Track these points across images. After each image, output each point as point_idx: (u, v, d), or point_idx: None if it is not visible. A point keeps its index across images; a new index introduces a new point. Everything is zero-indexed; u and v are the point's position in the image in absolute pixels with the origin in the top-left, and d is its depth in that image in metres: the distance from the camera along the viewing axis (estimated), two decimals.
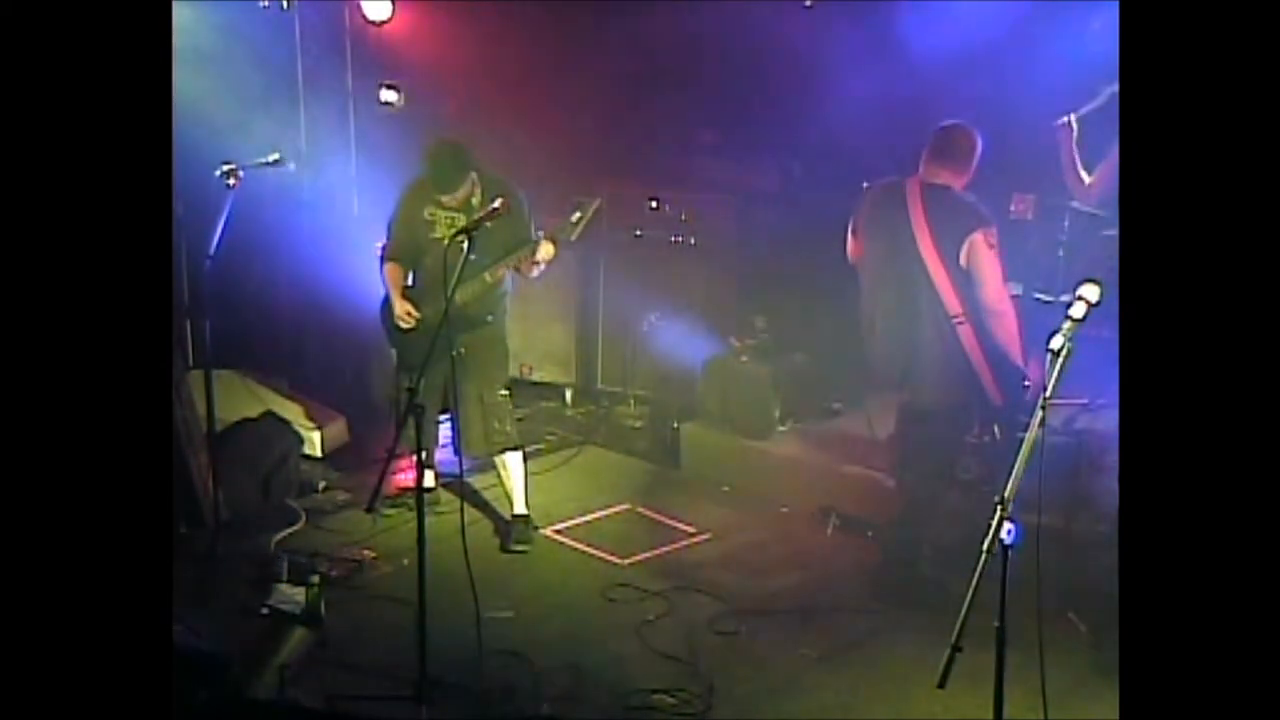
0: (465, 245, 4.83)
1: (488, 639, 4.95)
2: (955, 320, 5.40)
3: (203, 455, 6.11)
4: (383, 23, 7.84)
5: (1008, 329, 5.42)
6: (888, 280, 5.60)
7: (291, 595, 5.39)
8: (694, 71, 7.90)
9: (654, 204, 7.91)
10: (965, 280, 5.39)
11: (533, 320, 7.83)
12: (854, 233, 5.78)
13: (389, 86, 8.00)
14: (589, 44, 8.16)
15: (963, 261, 5.37)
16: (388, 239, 6.25)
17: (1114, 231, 6.17)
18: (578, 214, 5.97)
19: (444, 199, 5.97)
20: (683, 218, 7.90)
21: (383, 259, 6.24)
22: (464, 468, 6.00)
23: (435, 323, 5.71)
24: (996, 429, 6.02)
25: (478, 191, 5.99)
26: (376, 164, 7.62)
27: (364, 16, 7.87)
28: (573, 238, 6.02)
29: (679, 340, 7.64)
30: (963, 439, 5.90)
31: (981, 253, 5.37)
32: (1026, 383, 5.39)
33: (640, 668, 5.23)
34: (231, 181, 5.84)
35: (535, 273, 6.01)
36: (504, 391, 6.22)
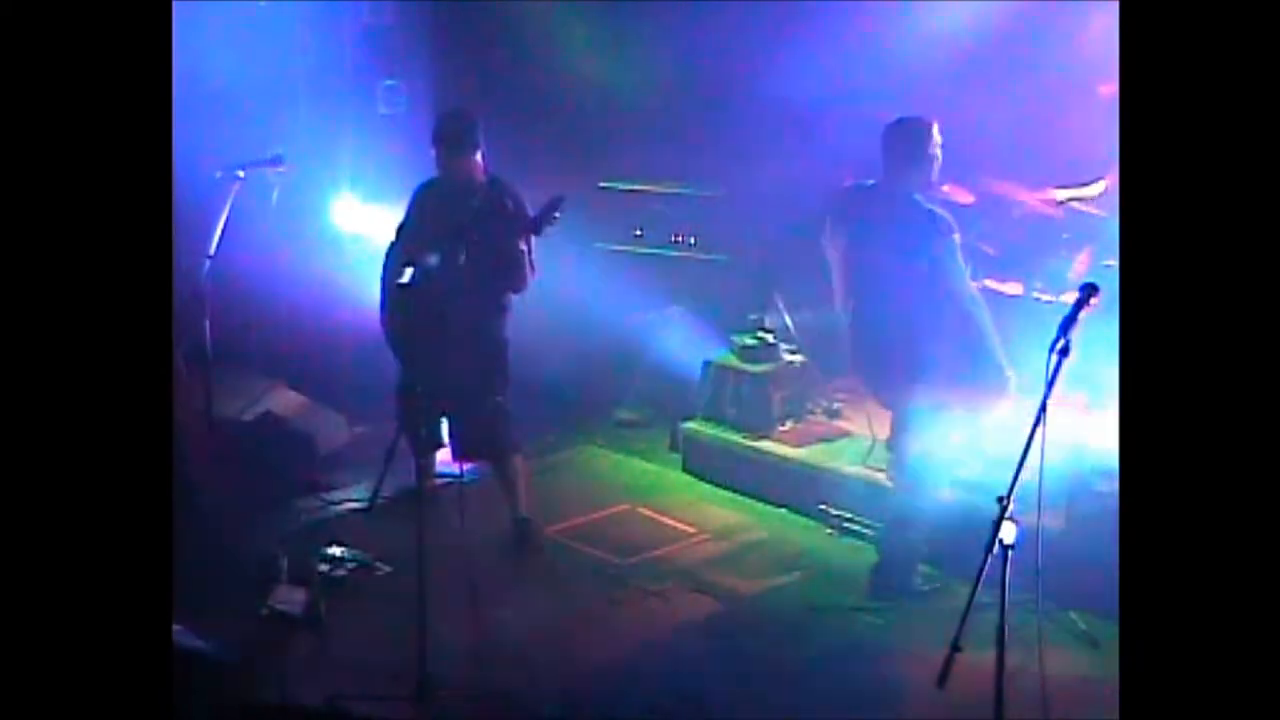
0: (464, 246, 4.83)
1: (488, 639, 4.95)
2: (926, 322, 5.41)
3: (203, 455, 6.11)
4: None
5: (979, 329, 5.43)
6: (857, 284, 5.62)
7: (291, 595, 5.39)
8: (696, 71, 7.90)
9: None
10: (930, 284, 5.39)
11: (533, 319, 7.81)
12: (828, 235, 5.82)
13: (390, 86, 8.01)
14: (591, 45, 8.16)
15: (925, 267, 5.37)
16: (396, 240, 6.21)
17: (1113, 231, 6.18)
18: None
19: (451, 192, 5.93)
20: (683, 217, 7.94)
21: (388, 260, 6.20)
22: (464, 468, 6.00)
23: (434, 324, 5.71)
24: (982, 423, 6.04)
25: (479, 184, 5.98)
26: (376, 163, 7.62)
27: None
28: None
29: (679, 340, 7.64)
30: (959, 438, 5.89)
31: (942, 258, 5.38)
32: (1008, 375, 5.42)
33: (640, 668, 5.23)
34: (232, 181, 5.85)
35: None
36: (499, 397, 6.21)
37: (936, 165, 5.54)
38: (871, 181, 5.63)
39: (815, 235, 5.91)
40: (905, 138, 5.51)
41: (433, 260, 6.01)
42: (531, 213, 5.88)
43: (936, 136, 5.53)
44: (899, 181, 5.51)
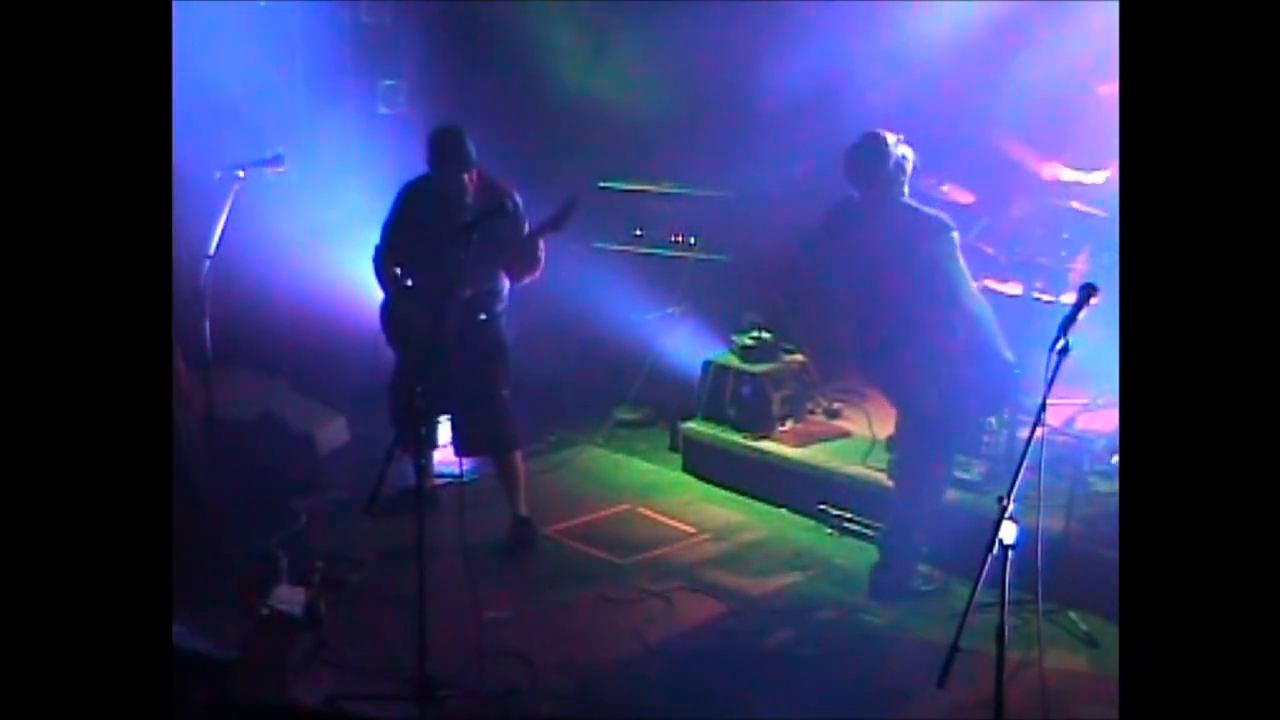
0: (465, 245, 4.84)
1: (488, 639, 4.95)
2: (929, 326, 5.40)
3: (203, 455, 6.11)
4: None
5: (983, 327, 5.42)
6: (857, 291, 5.61)
7: (291, 595, 5.38)
8: (696, 71, 7.90)
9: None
10: (930, 284, 5.38)
11: (533, 319, 7.82)
12: (821, 250, 5.82)
13: (390, 86, 8.00)
14: (591, 44, 8.16)
15: (923, 268, 5.36)
16: (383, 240, 6.22)
17: (1114, 231, 6.18)
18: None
19: (443, 194, 5.95)
20: (682, 217, 7.94)
21: (378, 260, 6.21)
22: (464, 468, 6.00)
23: (434, 323, 5.72)
24: (993, 421, 6.04)
25: (472, 190, 5.99)
26: (376, 163, 7.62)
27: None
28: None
29: (679, 340, 7.64)
30: (961, 439, 5.90)
31: (941, 258, 5.36)
32: (1017, 370, 5.41)
33: (640, 668, 5.23)
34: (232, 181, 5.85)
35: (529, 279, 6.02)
36: (504, 391, 6.22)
37: (908, 168, 5.47)
38: (856, 195, 5.60)
39: (811, 243, 5.92)
40: (860, 161, 5.47)
41: (429, 260, 6.02)
42: (534, 212, 5.90)
43: (891, 140, 5.45)
44: (877, 194, 5.48)
